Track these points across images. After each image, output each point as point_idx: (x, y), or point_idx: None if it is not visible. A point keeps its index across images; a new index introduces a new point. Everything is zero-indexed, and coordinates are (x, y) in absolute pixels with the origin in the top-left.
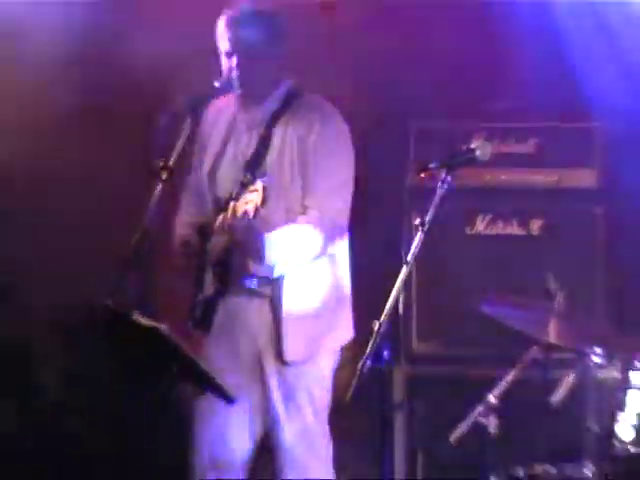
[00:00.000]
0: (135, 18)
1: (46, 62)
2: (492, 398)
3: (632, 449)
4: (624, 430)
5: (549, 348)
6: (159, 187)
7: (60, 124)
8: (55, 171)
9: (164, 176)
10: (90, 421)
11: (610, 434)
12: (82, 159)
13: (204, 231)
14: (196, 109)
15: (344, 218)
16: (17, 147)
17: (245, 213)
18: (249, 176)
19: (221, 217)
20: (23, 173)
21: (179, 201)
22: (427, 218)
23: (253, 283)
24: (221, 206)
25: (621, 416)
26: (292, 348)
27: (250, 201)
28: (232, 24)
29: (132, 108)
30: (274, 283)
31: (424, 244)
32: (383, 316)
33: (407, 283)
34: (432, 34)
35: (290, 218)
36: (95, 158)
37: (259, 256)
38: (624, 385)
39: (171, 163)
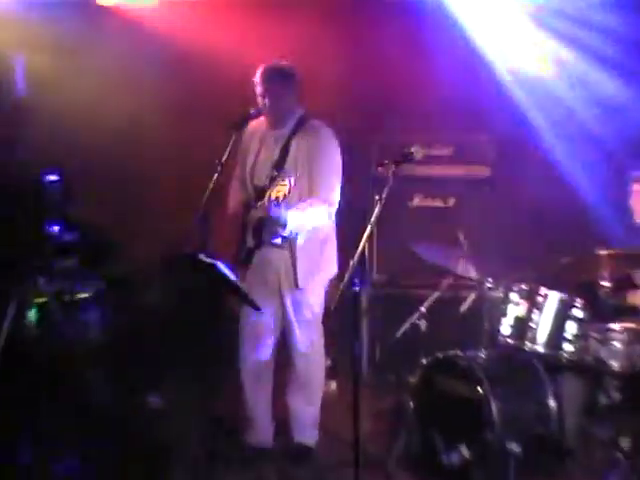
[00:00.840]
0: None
1: (149, 71)
2: (423, 309)
3: (510, 340)
4: (505, 329)
5: (459, 278)
6: (216, 175)
7: (156, 116)
8: (152, 152)
9: (219, 168)
10: (178, 320)
11: (496, 331)
12: (171, 143)
13: (247, 207)
14: (239, 127)
15: (336, 198)
16: (126, 132)
17: (277, 199)
18: (276, 173)
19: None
20: (131, 154)
21: (231, 187)
22: (383, 195)
23: (278, 240)
24: (258, 192)
25: (503, 320)
26: (301, 279)
27: (280, 191)
28: (263, 76)
29: (208, 111)
30: (291, 240)
31: (381, 212)
32: (355, 258)
33: (370, 236)
34: (393, 80)
35: (302, 200)
36: (179, 143)
37: (283, 225)
38: (505, 301)
39: (223, 160)
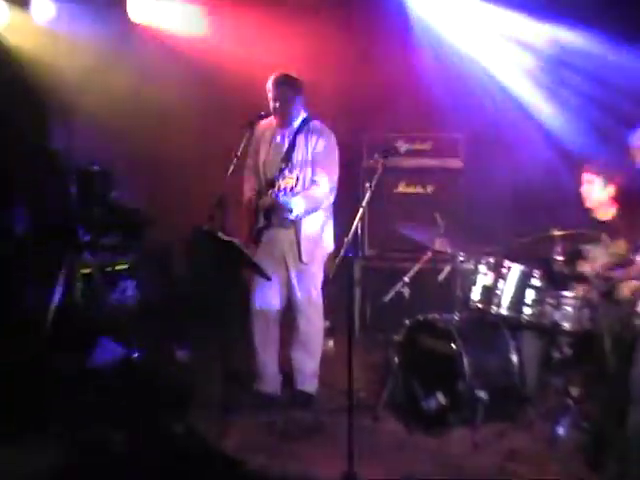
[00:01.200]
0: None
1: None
2: (406, 279)
3: (479, 305)
4: (475, 295)
5: (436, 252)
6: (232, 166)
7: (182, 118)
8: (178, 148)
9: (234, 160)
10: (201, 286)
11: (468, 298)
12: (194, 139)
13: (259, 194)
14: (252, 126)
15: (334, 187)
16: (157, 130)
17: (285, 188)
18: (284, 166)
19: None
20: (161, 148)
21: (245, 177)
22: (373, 183)
23: (286, 222)
24: (269, 182)
25: (473, 288)
26: (304, 254)
27: (289, 182)
28: (275, 83)
29: (223, 113)
30: (296, 222)
31: (371, 197)
32: (349, 235)
33: (362, 217)
34: (381, 88)
35: (305, 188)
36: (201, 139)
37: (289, 210)
38: (475, 272)
39: (238, 154)
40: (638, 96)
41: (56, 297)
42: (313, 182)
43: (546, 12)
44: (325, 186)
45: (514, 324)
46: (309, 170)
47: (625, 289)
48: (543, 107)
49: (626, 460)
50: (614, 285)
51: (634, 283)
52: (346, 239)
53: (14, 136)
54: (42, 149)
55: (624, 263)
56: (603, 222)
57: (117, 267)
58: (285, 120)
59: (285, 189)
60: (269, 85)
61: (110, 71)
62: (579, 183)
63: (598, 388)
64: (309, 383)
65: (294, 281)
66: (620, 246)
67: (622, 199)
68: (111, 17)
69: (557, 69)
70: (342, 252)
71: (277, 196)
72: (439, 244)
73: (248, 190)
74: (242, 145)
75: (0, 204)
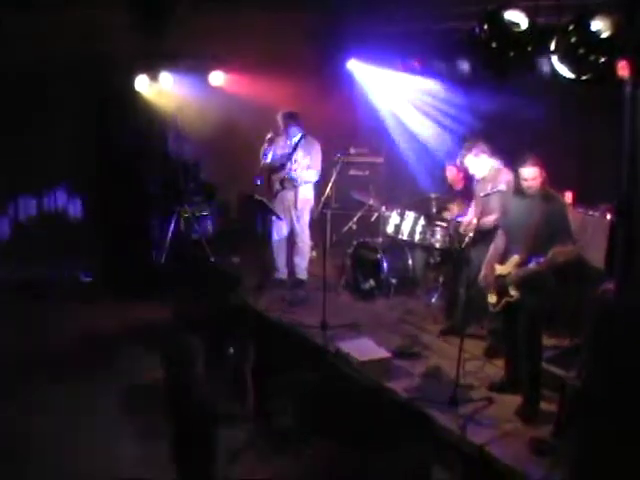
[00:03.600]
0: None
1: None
2: (354, 219)
3: (392, 234)
4: (389, 229)
5: (370, 206)
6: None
7: (237, 130)
8: (235, 146)
9: (263, 157)
10: (248, 224)
11: (385, 230)
12: (242, 143)
13: (273, 171)
14: (272, 139)
15: (319, 171)
16: (224, 137)
17: (291, 169)
18: (289, 157)
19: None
20: (225, 148)
21: (267, 163)
22: (337, 169)
23: (291, 187)
24: (281, 164)
25: (388, 225)
26: (299, 205)
27: (293, 167)
28: (282, 115)
29: (259, 129)
30: (296, 188)
31: (336, 176)
32: (324, 196)
33: (331, 187)
34: (341, 121)
35: (303, 170)
36: (246, 142)
37: (294, 180)
38: (390, 216)
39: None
40: (486, 116)
41: (170, 228)
42: (308, 167)
43: (430, 75)
44: (316, 169)
45: (410, 244)
46: (305, 161)
47: (462, 226)
48: (426, 129)
49: (467, 310)
50: (458, 223)
51: (466, 223)
52: (322, 197)
53: (151, 146)
54: (164, 152)
55: (463, 213)
56: (458, 190)
57: (201, 213)
58: (290, 136)
59: (291, 170)
60: (279, 116)
61: (200, 110)
62: (446, 172)
63: (452, 274)
64: (302, 274)
65: (294, 219)
66: (462, 204)
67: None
68: (201, 83)
69: (437, 106)
70: (320, 205)
71: (288, 173)
72: (372, 202)
73: (268, 169)
74: (268, 147)
75: (140, 178)
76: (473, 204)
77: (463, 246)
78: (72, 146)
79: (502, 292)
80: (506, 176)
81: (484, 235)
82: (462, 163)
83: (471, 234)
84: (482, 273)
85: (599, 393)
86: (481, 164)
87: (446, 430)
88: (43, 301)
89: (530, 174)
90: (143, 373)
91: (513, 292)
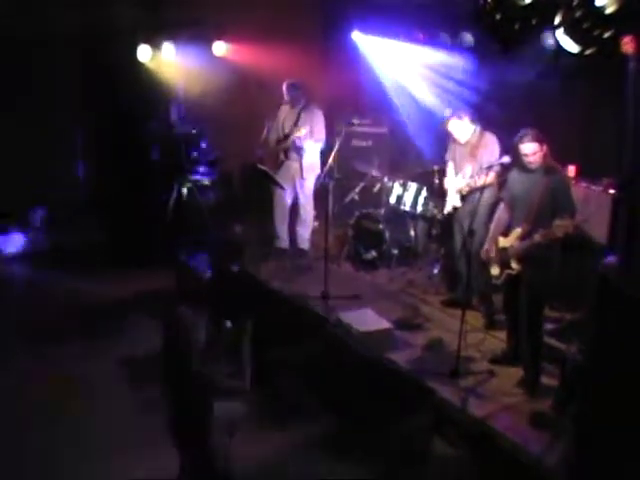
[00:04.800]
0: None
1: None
2: (357, 190)
3: (394, 205)
4: (392, 199)
5: (373, 177)
6: (265, 129)
7: (240, 100)
8: (237, 117)
9: (266, 126)
10: (250, 193)
11: (388, 201)
12: (246, 113)
13: (278, 142)
14: (279, 106)
15: (322, 139)
16: (227, 108)
17: (298, 137)
18: (294, 126)
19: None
20: (228, 119)
21: (271, 133)
22: (340, 139)
23: (295, 157)
24: (285, 135)
25: (391, 196)
26: (305, 174)
27: (297, 134)
28: (287, 87)
29: (262, 99)
30: (300, 156)
31: (339, 147)
32: (327, 166)
33: (334, 157)
34: (345, 89)
35: (307, 140)
36: (250, 112)
37: (300, 149)
38: (393, 187)
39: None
40: (489, 88)
41: (173, 197)
42: (312, 136)
43: (434, 46)
44: (319, 139)
45: (412, 215)
46: (309, 130)
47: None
48: (428, 98)
49: (471, 282)
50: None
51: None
52: (325, 168)
53: (153, 115)
54: (166, 121)
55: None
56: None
57: (204, 182)
58: (294, 104)
59: (295, 139)
60: (284, 86)
61: (202, 80)
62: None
63: (451, 246)
64: (304, 244)
65: (298, 188)
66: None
67: None
68: (204, 53)
69: (441, 77)
70: (324, 174)
71: (294, 141)
72: (375, 171)
73: (273, 139)
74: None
75: (142, 146)
76: (451, 166)
77: (445, 212)
78: (74, 114)
79: (504, 265)
80: (491, 139)
81: (485, 207)
82: (445, 128)
83: (455, 200)
84: (485, 247)
85: (600, 368)
86: (465, 127)
87: (447, 403)
88: (44, 270)
89: (530, 149)
90: (143, 342)
91: (514, 265)
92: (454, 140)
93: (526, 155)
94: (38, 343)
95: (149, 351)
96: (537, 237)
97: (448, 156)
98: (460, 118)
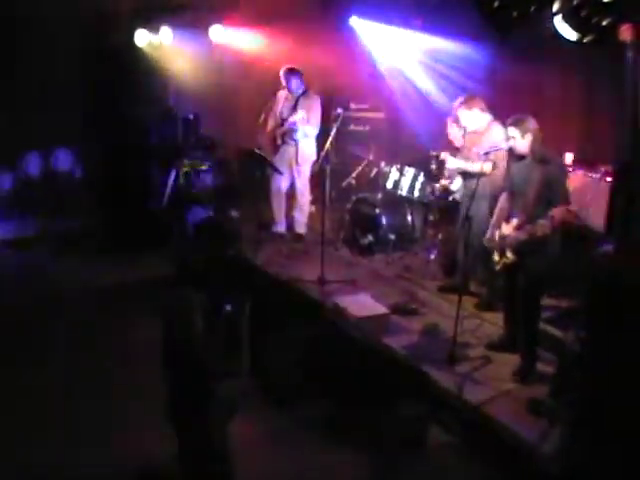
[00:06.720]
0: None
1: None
2: (354, 174)
3: (391, 189)
4: (389, 184)
5: (370, 161)
6: (262, 115)
7: (238, 87)
8: (236, 103)
9: (263, 113)
10: (248, 177)
11: (385, 185)
12: (245, 99)
13: (277, 126)
14: (275, 93)
15: (318, 125)
16: (224, 93)
17: (294, 122)
18: (292, 111)
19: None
20: (226, 104)
21: (269, 119)
22: (338, 123)
23: (292, 142)
24: (283, 120)
25: (388, 180)
26: (300, 159)
27: (294, 119)
28: (284, 73)
29: (260, 85)
30: (297, 142)
31: (336, 131)
32: (324, 151)
33: (332, 142)
34: (343, 75)
35: (304, 125)
36: (248, 99)
37: (294, 131)
38: (390, 172)
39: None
40: (473, 75)
41: (170, 181)
42: (308, 121)
43: (432, 30)
44: (315, 124)
45: (409, 200)
46: (305, 115)
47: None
48: (426, 84)
49: (469, 269)
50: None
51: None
52: (322, 153)
53: (152, 100)
54: (165, 106)
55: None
56: (458, 147)
57: (201, 167)
58: (292, 90)
59: (292, 123)
60: (281, 72)
61: (200, 65)
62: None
63: (451, 232)
64: (301, 228)
65: (295, 173)
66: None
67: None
68: (201, 38)
69: (438, 63)
70: (321, 160)
71: (290, 125)
72: (371, 156)
73: (270, 125)
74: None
75: (141, 130)
76: (459, 155)
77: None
78: (72, 98)
79: (502, 253)
80: (499, 130)
81: (483, 194)
82: (455, 115)
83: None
84: (488, 235)
85: (597, 356)
86: (474, 116)
87: (443, 388)
88: (43, 254)
89: (513, 133)
90: (142, 326)
91: (509, 254)
92: (461, 126)
93: (512, 138)
94: (37, 330)
95: (148, 334)
96: (521, 234)
97: (453, 138)
98: (470, 108)
